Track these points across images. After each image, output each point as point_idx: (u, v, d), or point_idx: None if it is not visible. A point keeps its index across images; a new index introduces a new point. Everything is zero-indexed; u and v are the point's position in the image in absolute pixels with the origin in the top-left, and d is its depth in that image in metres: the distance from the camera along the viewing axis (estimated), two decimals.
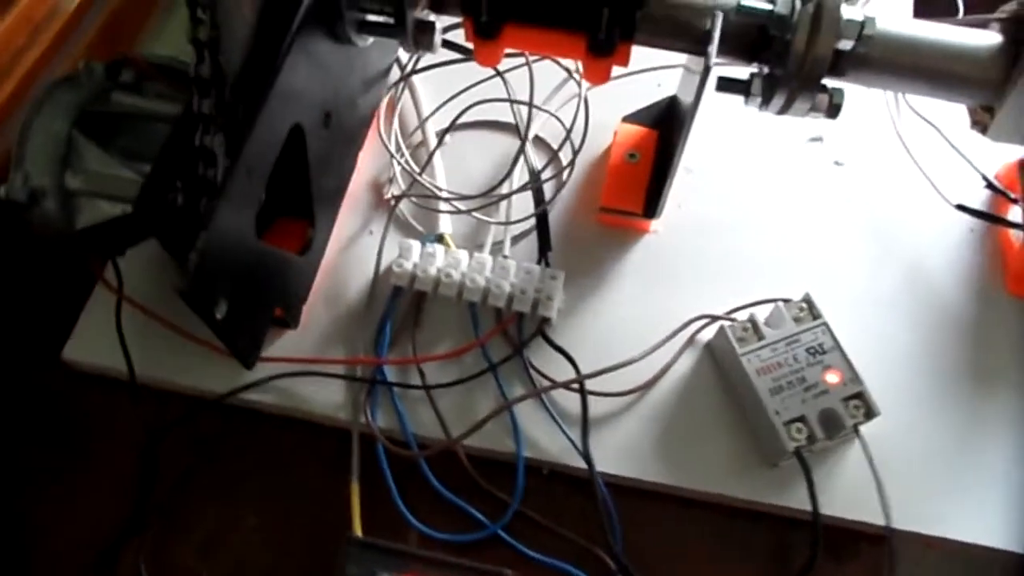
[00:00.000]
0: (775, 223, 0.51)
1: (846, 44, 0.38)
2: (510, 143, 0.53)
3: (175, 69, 0.43)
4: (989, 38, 0.40)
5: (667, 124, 0.51)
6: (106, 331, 0.47)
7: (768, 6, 0.38)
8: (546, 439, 0.45)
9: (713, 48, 0.38)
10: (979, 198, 0.51)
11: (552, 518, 0.43)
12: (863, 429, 0.42)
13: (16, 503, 0.46)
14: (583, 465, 0.43)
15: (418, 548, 0.35)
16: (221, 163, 0.37)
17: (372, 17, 0.43)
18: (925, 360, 0.47)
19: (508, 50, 0.42)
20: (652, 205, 0.48)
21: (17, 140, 0.39)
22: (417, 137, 0.53)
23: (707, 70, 0.38)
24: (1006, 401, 0.46)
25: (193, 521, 0.45)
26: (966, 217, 0.50)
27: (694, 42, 0.40)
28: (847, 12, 0.38)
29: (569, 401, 0.45)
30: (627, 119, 0.52)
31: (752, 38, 0.40)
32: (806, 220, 0.51)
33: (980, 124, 0.42)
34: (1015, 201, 0.49)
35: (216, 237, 0.34)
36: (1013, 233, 0.49)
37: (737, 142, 0.54)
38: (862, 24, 0.37)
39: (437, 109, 0.53)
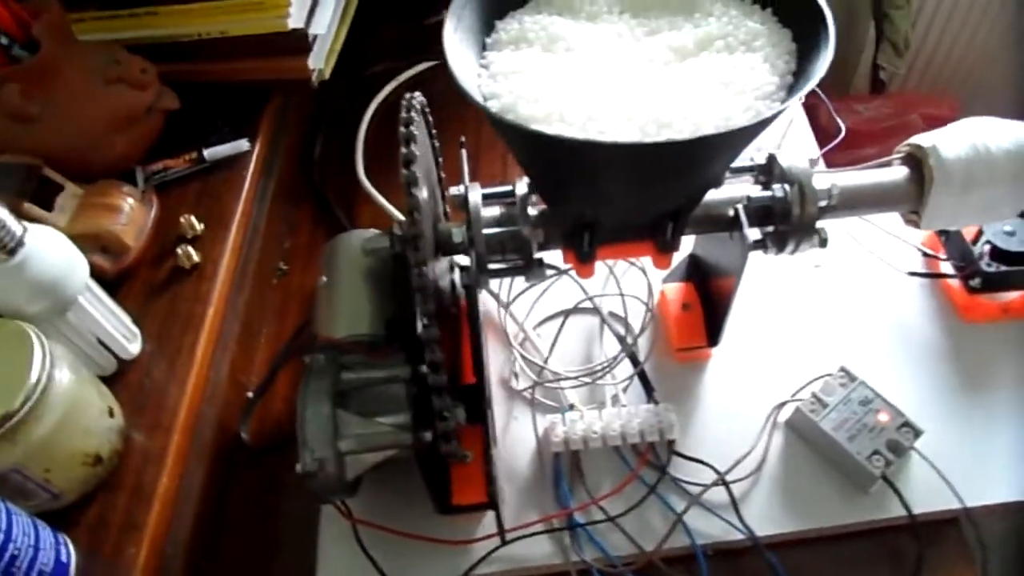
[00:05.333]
0: (791, 321, 0.73)
1: (823, 202, 0.60)
2: (588, 320, 0.73)
3: (363, 343, 0.61)
4: (900, 171, 0.63)
5: (696, 275, 0.72)
6: (347, 558, 0.61)
7: (768, 193, 0.60)
8: (707, 526, 0.62)
9: (747, 230, 0.59)
10: (915, 264, 0.74)
11: None
12: (916, 444, 0.63)
13: None
14: (741, 537, 0.61)
15: None
16: (451, 409, 0.54)
17: (497, 266, 0.62)
18: (930, 385, 0.68)
19: None
20: (713, 337, 0.69)
21: (298, 427, 0.55)
22: (519, 336, 0.72)
23: (747, 246, 0.59)
24: (993, 389, 0.68)
25: None
26: (917, 280, 0.73)
27: (724, 225, 0.62)
28: (817, 183, 0.60)
29: (712, 493, 0.63)
30: (666, 280, 0.73)
31: (761, 214, 0.61)
32: (811, 313, 0.73)
33: (912, 222, 0.65)
34: (942, 259, 0.73)
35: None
36: (949, 280, 0.73)
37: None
38: (829, 189, 0.60)
39: (530, 312, 0.73)
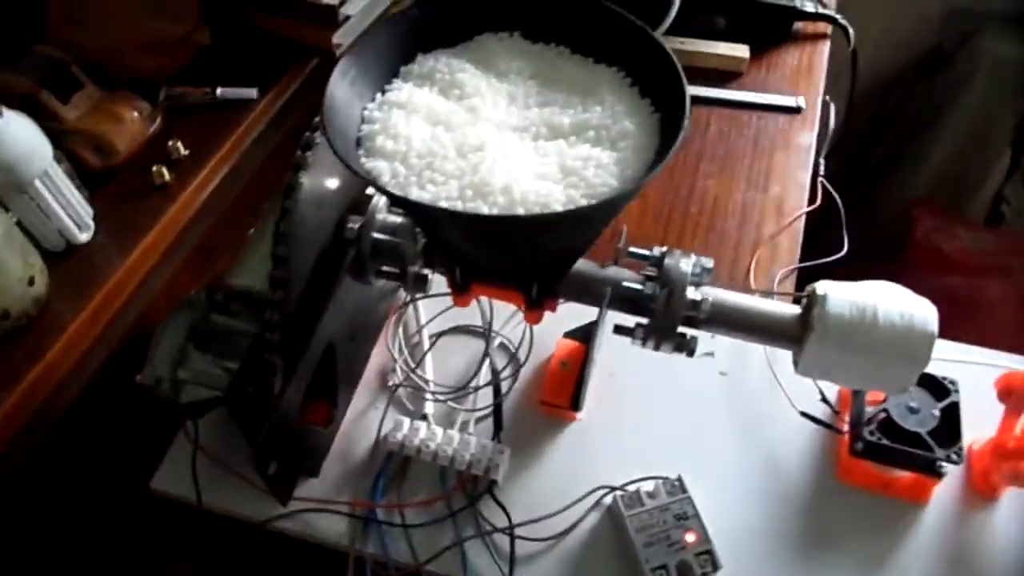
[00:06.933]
0: (670, 417, 0.73)
1: (691, 312, 0.61)
2: (481, 345, 0.77)
3: (250, 295, 0.68)
4: (792, 310, 0.62)
5: (592, 341, 0.74)
6: (183, 469, 0.70)
7: (639, 287, 0.62)
8: (486, 570, 0.66)
9: (604, 314, 0.61)
10: (813, 406, 0.72)
11: None
12: None
13: None
14: None
15: None
16: (280, 370, 0.61)
17: (385, 268, 0.67)
18: (769, 529, 0.67)
19: None
20: (576, 401, 0.71)
21: (150, 346, 0.64)
22: (415, 339, 0.78)
23: (597, 323, 0.61)
24: (831, 558, 0.66)
25: None
26: (809, 422, 0.72)
27: (597, 300, 0.64)
28: (691, 293, 0.61)
29: (506, 542, 0.66)
30: (566, 335, 0.75)
31: (632, 302, 0.63)
32: (694, 416, 0.74)
33: (795, 363, 0.64)
34: (838, 413, 0.71)
35: (275, 424, 0.58)
36: (843, 435, 0.71)
37: (650, 354, 0.76)
38: (700, 301, 0.61)
39: (431, 320, 0.78)
